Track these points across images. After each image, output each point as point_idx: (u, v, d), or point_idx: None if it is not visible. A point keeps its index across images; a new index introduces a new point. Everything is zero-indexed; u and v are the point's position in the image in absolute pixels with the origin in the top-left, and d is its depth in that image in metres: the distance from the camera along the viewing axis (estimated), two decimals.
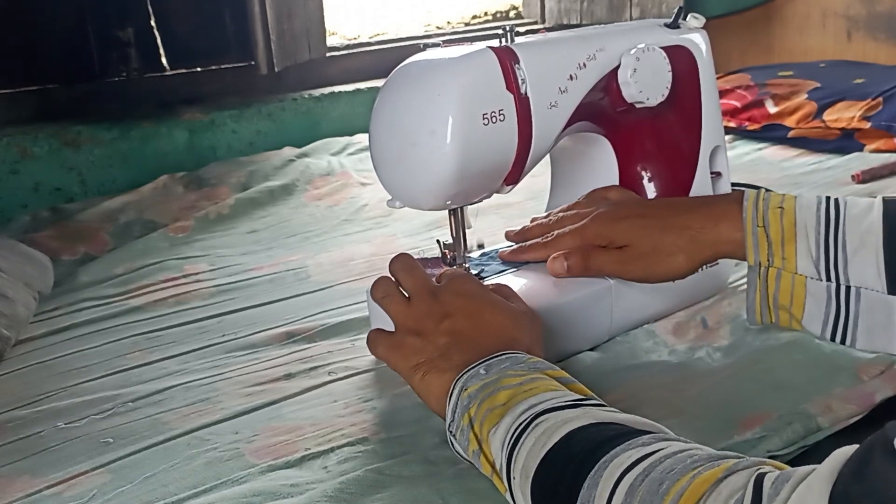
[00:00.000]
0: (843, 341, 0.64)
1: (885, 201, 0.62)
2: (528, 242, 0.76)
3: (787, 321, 0.66)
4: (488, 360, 0.57)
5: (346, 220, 1.20)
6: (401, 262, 0.68)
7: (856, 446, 0.37)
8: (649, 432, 0.47)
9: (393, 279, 0.67)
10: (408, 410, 0.67)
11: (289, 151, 1.41)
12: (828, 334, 0.63)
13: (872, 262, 0.59)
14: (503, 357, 0.57)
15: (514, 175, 0.70)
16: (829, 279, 0.61)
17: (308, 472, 0.59)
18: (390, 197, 0.71)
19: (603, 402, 0.53)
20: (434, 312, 0.62)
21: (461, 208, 0.73)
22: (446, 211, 0.72)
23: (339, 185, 1.31)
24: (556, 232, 0.74)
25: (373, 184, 1.28)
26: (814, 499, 0.36)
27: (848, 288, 0.61)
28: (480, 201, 0.72)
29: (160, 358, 0.79)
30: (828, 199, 0.63)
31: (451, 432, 0.56)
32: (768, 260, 0.63)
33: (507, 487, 0.51)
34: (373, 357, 0.76)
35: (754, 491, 0.39)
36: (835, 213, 0.62)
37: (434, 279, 0.68)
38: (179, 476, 0.59)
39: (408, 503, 0.55)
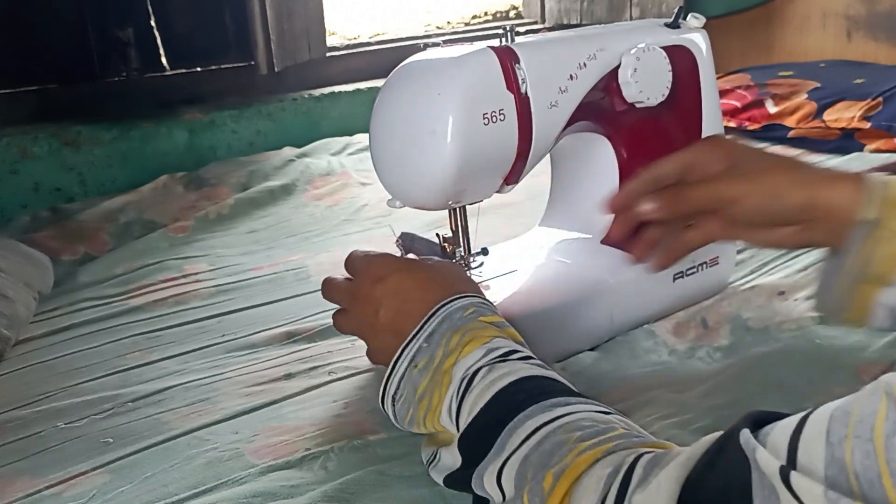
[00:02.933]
0: None
1: None
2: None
3: (862, 297, 0.58)
4: (426, 324, 0.59)
5: (346, 220, 1.20)
6: (325, 282, 0.70)
7: (719, 434, 0.39)
8: (564, 392, 0.51)
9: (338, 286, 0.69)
10: None
11: (289, 151, 1.41)
12: None
13: None
14: (440, 317, 0.59)
15: (515, 175, 0.70)
16: None
17: (308, 472, 0.59)
18: (390, 197, 0.71)
19: (530, 354, 0.56)
20: (366, 312, 0.64)
21: (461, 208, 0.73)
22: (446, 211, 0.72)
23: (339, 185, 1.31)
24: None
25: (373, 184, 1.28)
26: (668, 484, 0.38)
27: None
28: (480, 201, 0.72)
29: (160, 358, 0.79)
30: None
31: (393, 398, 0.58)
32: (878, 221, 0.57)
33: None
34: None
35: (625, 473, 0.41)
36: None
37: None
38: (179, 476, 0.59)
39: (407, 503, 0.55)
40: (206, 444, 0.64)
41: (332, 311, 0.87)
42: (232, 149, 1.44)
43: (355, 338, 0.80)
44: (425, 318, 0.59)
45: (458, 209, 0.72)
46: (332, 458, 0.61)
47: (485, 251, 0.75)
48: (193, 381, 0.74)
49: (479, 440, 0.50)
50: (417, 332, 0.59)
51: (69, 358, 0.80)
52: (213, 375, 0.75)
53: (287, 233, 1.15)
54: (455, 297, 0.60)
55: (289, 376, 0.74)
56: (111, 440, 0.65)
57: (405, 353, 0.58)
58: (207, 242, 1.12)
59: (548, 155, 0.77)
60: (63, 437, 0.66)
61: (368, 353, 0.67)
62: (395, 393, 0.58)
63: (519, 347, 0.56)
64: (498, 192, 0.72)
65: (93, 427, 0.67)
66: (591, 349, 0.75)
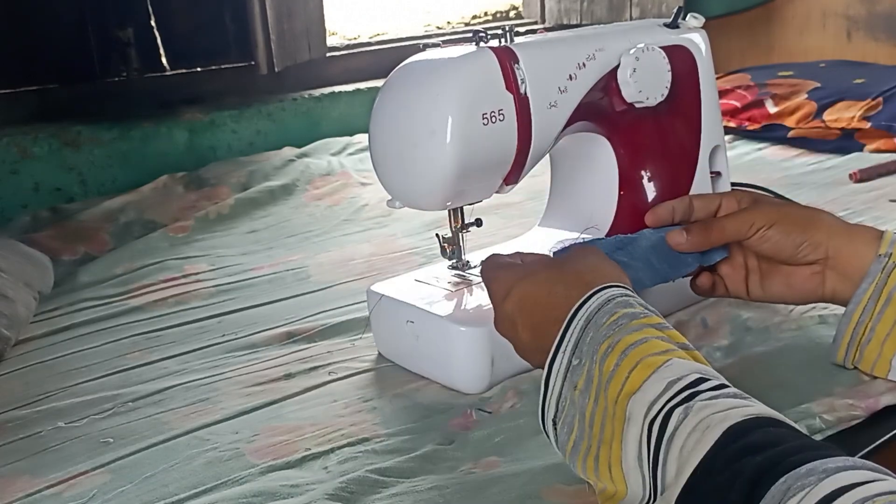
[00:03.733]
0: None
1: None
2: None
3: (884, 334, 0.61)
4: (566, 334, 0.52)
5: (346, 220, 1.20)
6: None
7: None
8: (806, 448, 0.39)
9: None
10: (408, 410, 0.67)
11: (289, 151, 1.41)
12: None
13: None
14: (579, 323, 0.52)
15: (514, 175, 0.70)
16: None
17: (308, 473, 0.59)
18: (390, 197, 0.71)
19: (723, 382, 0.47)
20: (509, 331, 0.59)
21: (461, 208, 0.73)
22: (446, 211, 0.72)
23: (339, 185, 1.31)
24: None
25: (373, 184, 1.28)
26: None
27: None
28: (480, 201, 0.72)
29: (160, 358, 0.79)
30: None
31: (553, 422, 0.51)
32: None
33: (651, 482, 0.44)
34: (373, 357, 0.77)
35: None
36: None
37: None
38: (179, 476, 0.59)
39: (408, 503, 0.55)
40: (206, 444, 0.64)
41: (334, 310, 0.87)
42: (232, 149, 1.44)
43: (356, 338, 0.81)
44: (563, 329, 0.52)
45: (456, 210, 0.72)
46: (332, 458, 0.61)
47: (478, 222, 0.74)
48: (193, 381, 0.74)
49: None
50: (559, 344, 0.52)
51: (69, 358, 0.81)
52: (213, 375, 0.75)
53: (287, 233, 1.15)
54: (589, 294, 0.53)
55: (289, 376, 0.74)
56: (111, 440, 0.65)
57: (553, 370, 0.51)
58: (207, 242, 1.12)
59: (547, 155, 0.77)
60: (63, 437, 0.66)
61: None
62: (555, 416, 0.51)
63: (703, 370, 0.47)
64: (498, 192, 0.72)
65: (93, 427, 0.67)
66: None
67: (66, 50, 1.34)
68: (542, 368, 0.53)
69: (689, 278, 0.70)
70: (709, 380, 0.46)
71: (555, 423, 0.51)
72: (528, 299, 0.57)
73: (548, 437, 0.52)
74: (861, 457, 0.40)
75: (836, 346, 0.65)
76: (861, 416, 0.61)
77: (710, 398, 0.44)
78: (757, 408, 0.43)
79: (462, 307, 0.71)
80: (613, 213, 0.80)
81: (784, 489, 0.36)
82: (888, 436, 0.60)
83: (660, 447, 0.43)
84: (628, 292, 0.54)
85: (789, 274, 0.67)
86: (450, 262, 0.77)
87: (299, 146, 1.44)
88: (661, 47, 0.75)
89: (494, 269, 0.62)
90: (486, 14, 2.03)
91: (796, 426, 0.43)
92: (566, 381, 0.51)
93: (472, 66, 0.65)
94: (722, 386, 0.46)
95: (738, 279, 0.70)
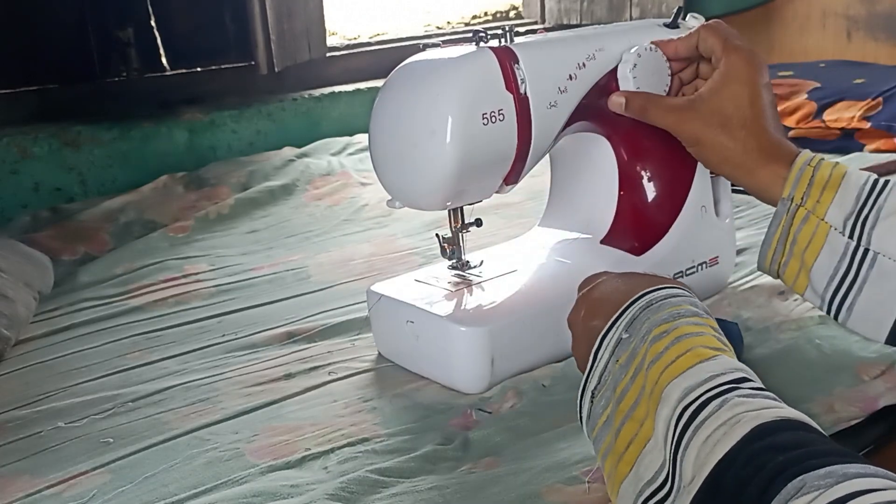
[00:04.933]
0: (837, 312, 0.62)
1: None
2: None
3: (796, 270, 0.64)
4: (628, 309, 0.52)
5: (346, 220, 1.20)
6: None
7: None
8: (831, 454, 0.38)
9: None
10: (408, 410, 0.67)
11: (289, 151, 1.41)
12: (829, 293, 0.62)
13: None
14: (643, 302, 0.52)
15: (514, 175, 0.70)
16: (851, 237, 0.61)
17: (308, 473, 0.59)
18: (390, 197, 0.71)
19: (761, 386, 0.47)
20: (573, 316, 0.60)
21: (461, 208, 0.73)
22: (446, 211, 0.72)
23: (339, 185, 1.31)
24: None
25: (373, 184, 1.28)
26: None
27: (866, 251, 0.60)
28: (480, 201, 0.72)
29: (160, 358, 0.79)
30: (878, 178, 0.63)
31: (592, 394, 0.51)
32: (802, 199, 0.63)
33: (673, 471, 0.44)
34: (373, 357, 0.77)
35: None
36: (882, 183, 0.62)
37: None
38: (179, 476, 0.59)
39: (408, 503, 0.55)
40: (206, 444, 0.64)
41: (334, 310, 0.87)
42: (232, 149, 1.44)
43: (355, 338, 0.81)
44: (628, 303, 0.53)
45: (456, 210, 0.72)
46: (332, 459, 0.61)
47: (478, 222, 0.75)
48: (193, 381, 0.74)
49: None
50: (616, 320, 0.52)
51: (69, 358, 0.81)
52: (213, 375, 0.75)
53: (287, 233, 1.15)
54: (658, 287, 0.54)
55: (289, 376, 0.74)
56: (111, 440, 0.65)
57: (604, 343, 0.52)
58: (207, 242, 1.12)
59: (547, 155, 0.77)
60: (63, 437, 0.66)
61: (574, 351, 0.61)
62: (595, 387, 0.51)
63: (748, 372, 0.47)
64: (498, 192, 0.72)
65: (93, 427, 0.67)
66: None
67: (66, 50, 1.34)
68: (579, 348, 0.55)
69: None
70: (751, 381, 0.46)
71: (593, 396, 0.51)
72: (607, 285, 0.58)
73: (580, 413, 0.52)
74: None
75: (762, 258, 0.67)
76: (860, 417, 0.61)
77: (748, 395, 0.44)
78: (790, 411, 0.43)
79: (462, 307, 0.71)
80: (613, 213, 0.80)
81: (798, 486, 0.36)
82: (887, 436, 0.60)
83: (686, 432, 0.43)
84: (696, 300, 0.55)
85: None
86: (450, 262, 0.77)
87: (299, 146, 1.44)
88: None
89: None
90: (486, 14, 2.03)
91: (826, 434, 0.42)
92: (612, 355, 0.51)
93: (472, 66, 0.65)
94: (762, 389, 0.46)
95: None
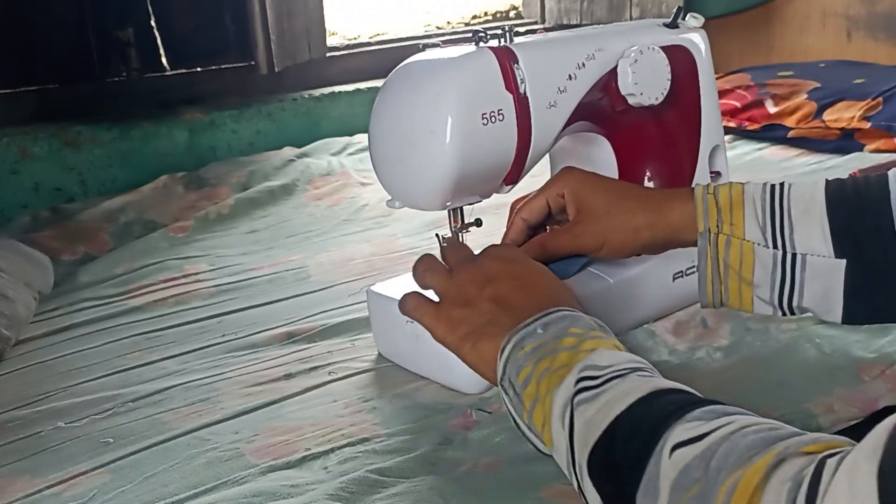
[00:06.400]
0: (791, 312, 0.63)
1: (827, 180, 0.63)
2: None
3: (737, 292, 0.64)
4: (545, 316, 0.54)
5: (346, 220, 1.20)
6: (450, 242, 0.69)
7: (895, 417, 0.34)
8: (710, 402, 0.45)
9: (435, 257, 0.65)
10: (408, 410, 0.67)
11: (289, 151, 1.41)
12: (776, 300, 0.63)
13: (817, 226, 0.60)
14: (560, 315, 0.55)
15: (514, 175, 0.70)
16: (775, 247, 0.62)
17: (308, 473, 0.59)
18: (390, 197, 0.71)
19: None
20: (476, 279, 0.60)
21: (461, 208, 0.73)
22: (446, 211, 0.72)
23: (339, 185, 1.31)
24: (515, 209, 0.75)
25: (373, 184, 1.28)
26: (862, 480, 0.33)
27: (794, 255, 0.61)
28: (480, 201, 0.72)
29: (160, 358, 0.79)
30: (773, 183, 0.65)
31: (502, 387, 0.54)
32: (717, 226, 0.64)
33: (569, 448, 0.48)
34: (373, 357, 0.77)
35: (809, 486, 0.36)
36: (780, 187, 0.63)
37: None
38: (179, 476, 0.59)
39: (408, 503, 0.55)
40: (206, 444, 0.64)
41: (334, 310, 0.87)
42: (232, 149, 1.44)
43: (355, 338, 0.81)
44: (550, 311, 0.55)
45: (456, 210, 0.72)
46: (332, 459, 0.61)
47: (478, 222, 0.75)
48: (193, 381, 0.74)
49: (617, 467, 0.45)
50: (538, 319, 0.54)
51: (69, 358, 0.81)
52: (213, 375, 0.75)
53: (287, 233, 1.15)
54: (582, 313, 0.57)
55: (289, 376, 0.74)
56: (111, 440, 0.65)
57: (518, 334, 0.54)
58: (207, 242, 1.12)
59: (547, 155, 0.77)
60: (63, 437, 0.66)
61: (431, 318, 0.61)
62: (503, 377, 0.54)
63: (653, 369, 0.51)
64: (497, 192, 0.72)
65: (93, 427, 0.67)
66: None
67: (66, 50, 1.35)
68: (468, 323, 0.57)
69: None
70: (651, 372, 0.50)
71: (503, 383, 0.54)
72: (529, 273, 0.60)
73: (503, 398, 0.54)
74: None
75: (702, 296, 0.67)
76: (859, 417, 0.61)
77: (645, 375, 0.49)
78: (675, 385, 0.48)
79: None
80: None
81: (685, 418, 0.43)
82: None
83: (583, 393, 0.48)
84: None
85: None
86: None
87: (299, 146, 1.44)
88: (660, 47, 0.75)
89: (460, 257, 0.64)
90: (485, 14, 2.03)
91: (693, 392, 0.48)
92: (517, 345, 0.54)
93: (472, 66, 0.65)
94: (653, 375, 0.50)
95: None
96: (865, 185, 0.60)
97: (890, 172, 0.59)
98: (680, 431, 0.42)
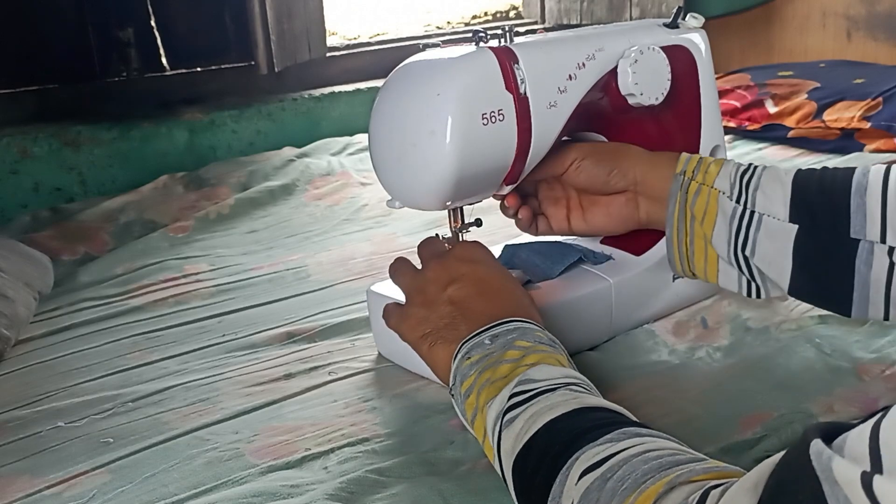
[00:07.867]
0: (748, 267, 0.64)
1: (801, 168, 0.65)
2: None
3: (702, 250, 0.66)
4: (495, 327, 0.57)
5: (346, 219, 1.20)
6: (426, 239, 0.71)
7: (782, 453, 0.35)
8: (628, 423, 0.47)
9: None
10: (408, 410, 0.67)
11: (289, 151, 1.41)
12: (732, 254, 0.64)
13: (780, 191, 0.62)
14: (512, 327, 0.57)
15: (514, 175, 0.70)
16: (738, 201, 0.64)
17: (308, 473, 0.59)
18: (390, 197, 0.71)
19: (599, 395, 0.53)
20: (440, 279, 0.62)
21: (461, 208, 0.73)
22: (446, 211, 0.72)
23: (339, 185, 1.31)
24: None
25: (373, 184, 1.28)
26: None
27: (752, 213, 0.63)
28: (480, 201, 0.72)
29: (160, 358, 0.79)
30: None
31: (451, 395, 0.58)
32: (693, 174, 0.66)
33: (497, 459, 0.51)
34: (373, 357, 0.77)
35: None
36: (761, 165, 0.66)
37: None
38: (179, 476, 0.59)
39: (408, 503, 0.55)
40: (206, 444, 0.64)
41: (335, 310, 0.87)
42: (232, 149, 1.44)
43: (355, 338, 0.81)
44: (501, 321, 0.58)
45: (456, 210, 0.72)
46: (332, 459, 0.61)
47: (478, 222, 0.75)
48: (193, 381, 0.74)
49: (534, 472, 0.47)
50: (488, 329, 0.57)
51: (69, 358, 0.81)
52: (213, 375, 0.75)
53: (287, 233, 1.15)
54: (537, 324, 0.59)
55: (289, 376, 0.74)
56: (111, 440, 0.65)
57: (467, 344, 0.57)
58: (207, 242, 1.12)
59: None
60: (63, 437, 0.66)
61: (395, 318, 0.65)
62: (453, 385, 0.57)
63: (590, 386, 0.54)
64: (498, 192, 0.72)
65: (93, 427, 0.67)
66: (591, 349, 0.75)
67: (66, 50, 1.35)
68: (428, 323, 0.61)
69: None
70: (588, 389, 0.53)
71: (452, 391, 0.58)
72: (490, 276, 0.63)
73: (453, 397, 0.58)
74: None
75: (671, 264, 0.70)
76: (859, 417, 0.61)
77: (576, 391, 0.51)
78: (602, 402, 0.51)
79: None
80: None
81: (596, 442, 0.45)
82: None
83: (516, 407, 0.51)
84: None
85: (607, 204, 0.73)
86: None
87: (299, 146, 1.44)
88: (660, 47, 0.75)
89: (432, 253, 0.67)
90: (486, 14, 2.03)
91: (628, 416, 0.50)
92: (465, 355, 0.57)
93: (472, 67, 0.65)
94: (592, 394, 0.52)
95: (560, 216, 0.76)
96: (833, 172, 0.62)
97: (858, 168, 0.61)
98: (589, 455, 0.44)
